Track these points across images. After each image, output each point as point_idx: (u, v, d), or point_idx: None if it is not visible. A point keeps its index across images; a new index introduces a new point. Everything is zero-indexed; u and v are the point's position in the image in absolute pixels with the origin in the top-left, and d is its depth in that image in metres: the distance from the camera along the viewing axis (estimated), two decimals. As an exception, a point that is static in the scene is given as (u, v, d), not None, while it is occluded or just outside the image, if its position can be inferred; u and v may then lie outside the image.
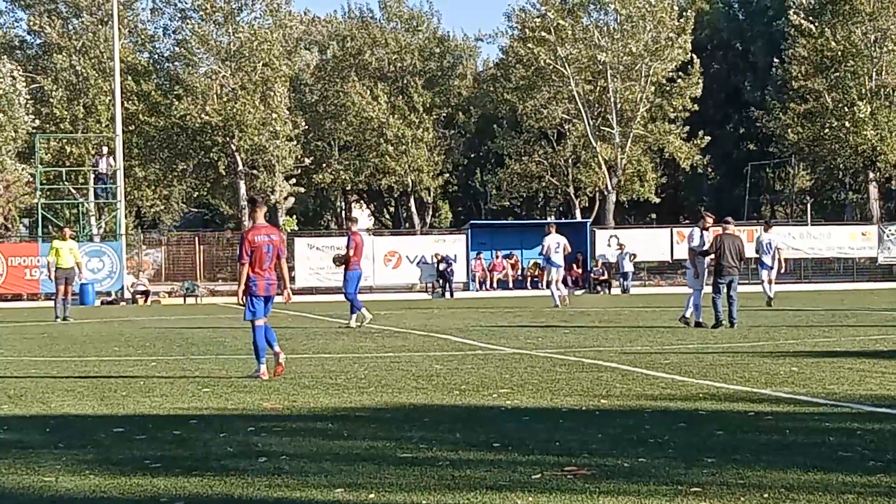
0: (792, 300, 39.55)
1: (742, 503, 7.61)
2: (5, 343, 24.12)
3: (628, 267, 53.78)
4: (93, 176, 59.11)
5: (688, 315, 25.51)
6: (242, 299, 15.97)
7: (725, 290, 25.10)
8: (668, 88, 65.82)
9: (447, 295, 51.96)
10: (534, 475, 8.50)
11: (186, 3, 63.69)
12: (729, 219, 26.47)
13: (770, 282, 35.44)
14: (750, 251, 34.09)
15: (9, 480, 8.72)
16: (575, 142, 68.11)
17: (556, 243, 36.69)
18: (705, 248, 25.69)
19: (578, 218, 66.75)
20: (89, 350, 21.64)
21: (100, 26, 63.62)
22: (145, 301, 51.10)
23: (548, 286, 38.15)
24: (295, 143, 63.64)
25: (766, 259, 35.42)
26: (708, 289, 25.78)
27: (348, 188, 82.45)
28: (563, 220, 74.44)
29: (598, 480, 8.33)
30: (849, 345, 19.96)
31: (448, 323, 28.57)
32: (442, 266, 52.87)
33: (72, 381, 15.72)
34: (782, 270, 36.80)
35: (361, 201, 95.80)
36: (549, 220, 79.95)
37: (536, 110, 66.92)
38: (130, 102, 62.53)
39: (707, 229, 26.10)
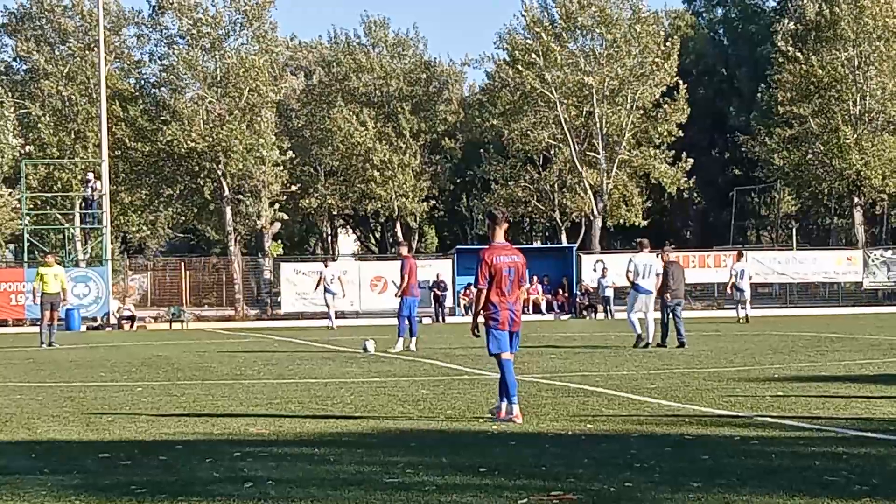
0: (777, 325, 39.63)
1: (728, 527, 7.62)
2: (-10, 369, 24.06)
3: (609, 292, 53.46)
4: (79, 201, 59.16)
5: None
6: (477, 330, 13.67)
7: (671, 313, 27.27)
8: (653, 114, 65.97)
9: (440, 320, 51.94)
10: (520, 500, 8.50)
11: (173, 30, 63.76)
12: (667, 246, 28.80)
13: (744, 303, 41.64)
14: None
15: (-6, 506, 8.70)
16: (561, 166, 68.22)
17: (330, 276, 43.26)
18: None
19: (564, 243, 66.75)
20: (75, 376, 21.58)
21: (86, 52, 63.58)
22: (131, 326, 51.00)
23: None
24: (281, 168, 63.61)
25: (742, 284, 41.34)
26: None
27: (334, 213, 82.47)
28: (548, 245, 74.67)
29: (585, 505, 8.34)
30: (834, 369, 19.99)
31: (434, 348, 28.54)
32: (436, 290, 52.78)
33: (57, 406, 15.67)
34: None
35: (347, 226, 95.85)
36: (535, 244, 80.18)
37: (522, 135, 67.00)
38: (117, 128, 62.44)
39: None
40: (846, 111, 63.73)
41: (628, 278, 27.38)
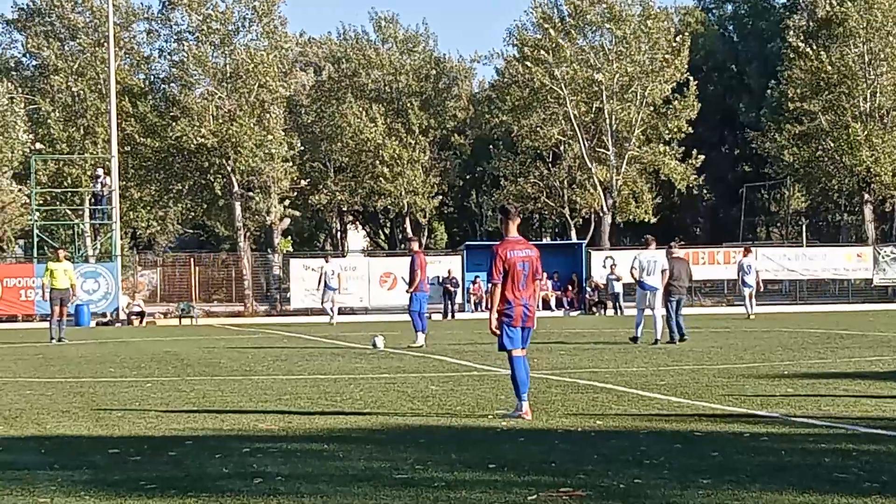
0: (787, 321, 39.59)
1: (737, 524, 7.60)
2: (0, 364, 24.09)
3: (618, 288, 53.37)
4: (89, 197, 59.30)
5: (659, 336, 27.17)
6: (495, 327, 13.42)
7: (674, 308, 27.29)
8: (663, 110, 65.91)
9: (450, 316, 51.94)
10: (529, 496, 8.49)
11: (182, 25, 63.83)
12: (673, 243, 28.91)
13: (750, 298, 42.41)
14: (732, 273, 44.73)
15: (4, 502, 8.70)
16: (570, 163, 68.19)
17: (331, 271, 44.39)
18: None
19: (574, 239, 66.71)
20: (85, 371, 21.61)
21: (96, 48, 63.64)
22: (140, 322, 51.07)
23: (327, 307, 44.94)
24: (291, 164, 63.65)
25: (748, 279, 42.12)
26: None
27: (344, 209, 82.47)
28: (558, 242, 74.59)
29: (594, 501, 8.33)
30: (844, 366, 19.96)
31: (444, 344, 28.55)
32: (448, 286, 52.83)
33: (67, 402, 15.69)
34: (760, 289, 43.89)
35: (357, 222, 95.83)
36: (544, 241, 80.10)
37: (532, 131, 66.98)
38: (127, 123, 62.51)
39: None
40: (856, 107, 63.62)
41: (632, 275, 27.72)
